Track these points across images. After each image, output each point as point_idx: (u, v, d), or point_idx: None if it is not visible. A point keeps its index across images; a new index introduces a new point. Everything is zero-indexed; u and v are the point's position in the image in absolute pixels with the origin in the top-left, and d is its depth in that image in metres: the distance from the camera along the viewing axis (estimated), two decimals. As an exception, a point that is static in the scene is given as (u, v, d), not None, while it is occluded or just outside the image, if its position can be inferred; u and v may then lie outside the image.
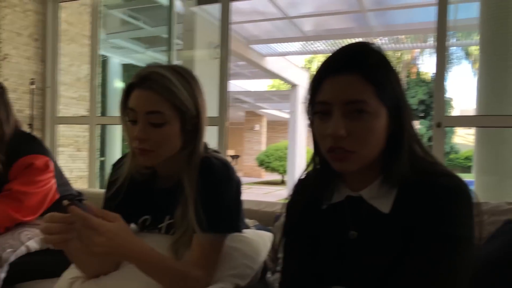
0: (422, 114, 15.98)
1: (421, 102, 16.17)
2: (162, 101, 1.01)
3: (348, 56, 0.79)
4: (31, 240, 1.48)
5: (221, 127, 2.44)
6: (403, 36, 7.67)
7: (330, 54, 0.83)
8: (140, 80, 1.02)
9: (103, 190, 1.90)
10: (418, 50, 15.37)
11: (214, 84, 2.54)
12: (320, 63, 0.84)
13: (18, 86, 2.85)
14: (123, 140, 4.75)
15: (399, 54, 15.82)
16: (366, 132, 0.77)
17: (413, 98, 16.09)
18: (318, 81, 0.80)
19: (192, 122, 1.07)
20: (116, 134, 5.35)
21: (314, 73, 0.83)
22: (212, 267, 1.06)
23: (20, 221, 1.49)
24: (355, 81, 0.77)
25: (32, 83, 2.87)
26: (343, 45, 0.86)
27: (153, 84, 1.01)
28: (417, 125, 14.83)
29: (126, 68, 6.01)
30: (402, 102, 0.80)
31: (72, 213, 0.86)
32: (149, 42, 5.58)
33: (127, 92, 1.05)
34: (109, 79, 5.58)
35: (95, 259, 1.05)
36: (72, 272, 1.11)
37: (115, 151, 5.45)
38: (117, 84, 5.66)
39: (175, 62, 4.23)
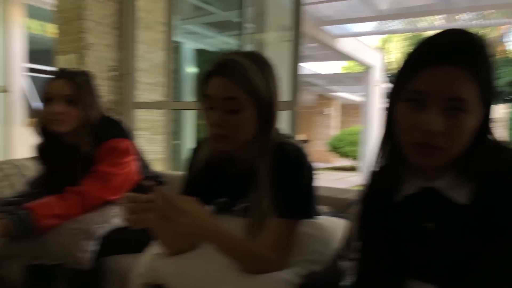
0: (510, 97, 14.74)
1: (510, 83, 14.90)
2: (239, 88, 1.05)
3: (457, 47, 0.73)
4: (116, 217, 1.57)
5: (293, 112, 2.41)
6: (489, 12, 7.07)
7: (430, 39, 0.76)
8: (218, 68, 1.06)
9: (177, 172, 1.99)
10: (506, 26, 14.13)
11: (285, 67, 2.51)
12: (415, 45, 0.78)
13: (99, 73, 3.01)
14: (197, 124, 4.89)
15: (485, 31, 14.66)
16: (460, 130, 0.74)
17: (501, 79, 14.87)
18: (414, 68, 0.75)
19: (266, 108, 1.09)
20: (189, 118, 5.52)
21: (407, 56, 0.78)
22: (286, 251, 1.08)
23: (106, 200, 1.60)
24: (462, 77, 0.71)
25: (111, 70, 3.03)
26: (427, 25, 0.80)
27: (230, 72, 1.04)
28: (506, 108, 13.70)
29: (199, 53, 6.15)
30: (494, 98, 0.77)
31: (156, 194, 0.91)
32: (221, 26, 5.65)
33: (205, 80, 1.08)
34: (182, 64, 5.75)
35: (177, 237, 1.10)
36: (155, 248, 1.18)
37: (188, 135, 5.64)
38: (190, 70, 5.81)
39: (247, 46, 4.24)
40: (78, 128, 1.61)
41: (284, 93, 2.47)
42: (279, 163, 1.09)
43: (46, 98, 1.61)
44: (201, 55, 6.11)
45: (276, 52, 4.29)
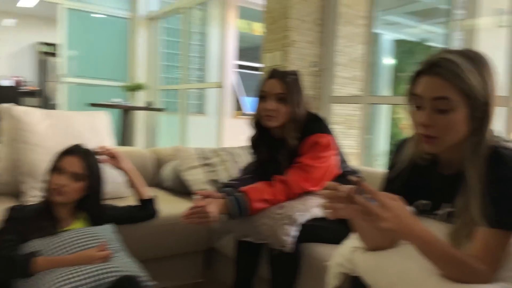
0: None
1: None
2: (450, 87, 0.99)
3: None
4: (315, 207, 1.67)
5: (509, 108, 2.12)
6: None
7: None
8: (428, 67, 1.02)
9: (371, 168, 1.97)
10: None
11: (500, 56, 2.22)
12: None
13: (301, 69, 3.19)
14: (391, 119, 4.73)
15: None
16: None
17: None
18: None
19: (481, 109, 1.00)
20: (383, 112, 5.37)
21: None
22: (495, 264, 0.99)
23: (308, 190, 1.71)
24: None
25: (312, 66, 3.17)
26: None
27: (441, 70, 1.00)
28: None
29: (398, 44, 5.89)
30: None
31: (360, 187, 0.93)
32: (424, 14, 5.29)
33: (413, 78, 1.05)
34: (380, 57, 5.60)
35: (377, 233, 1.11)
36: (353, 241, 1.21)
37: (382, 130, 5.49)
38: (388, 62, 5.62)
39: (454, 33, 3.88)
40: (286, 123, 1.75)
41: (499, 87, 2.18)
42: (492, 169, 1.01)
43: (261, 95, 1.79)
44: (400, 46, 5.85)
45: (490, 40, 3.82)
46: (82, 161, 1.57)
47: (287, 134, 1.75)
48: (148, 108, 5.46)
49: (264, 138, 1.86)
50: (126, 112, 5.06)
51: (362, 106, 3.10)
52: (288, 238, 1.57)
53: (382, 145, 4.54)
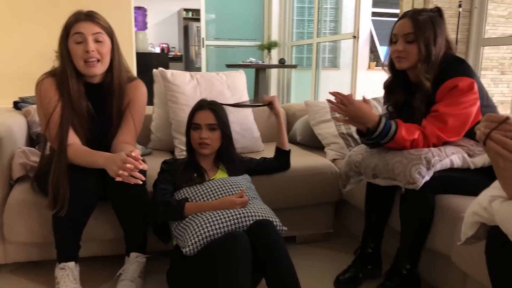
0: None
1: None
2: None
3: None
4: (454, 155, 1.58)
5: None
6: None
7: None
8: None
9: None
10: None
11: None
12: None
13: (445, 10, 2.91)
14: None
15: None
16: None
17: None
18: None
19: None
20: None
21: None
22: None
23: (445, 140, 1.63)
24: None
25: (459, 6, 2.86)
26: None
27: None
28: None
29: None
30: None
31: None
32: None
33: None
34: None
35: None
36: (493, 190, 1.15)
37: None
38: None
39: None
40: (418, 64, 1.66)
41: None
42: None
43: (392, 38, 1.74)
44: None
45: None
46: (212, 112, 1.73)
47: (420, 75, 1.65)
48: (280, 65, 5.58)
49: (400, 82, 1.79)
50: (259, 70, 5.25)
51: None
52: (420, 178, 1.52)
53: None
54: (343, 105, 1.62)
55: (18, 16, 5.87)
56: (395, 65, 1.74)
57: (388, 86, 1.87)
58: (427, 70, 1.64)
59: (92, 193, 1.57)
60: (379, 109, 2.47)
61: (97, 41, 1.60)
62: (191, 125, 1.75)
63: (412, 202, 1.60)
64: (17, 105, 2.37)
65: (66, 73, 1.60)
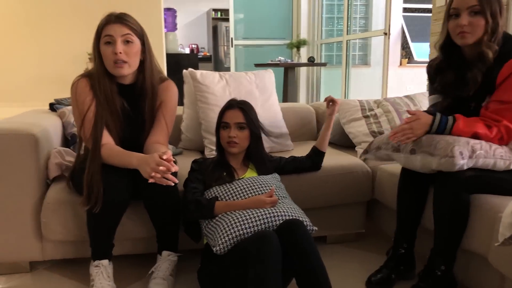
0: None
1: None
2: None
3: None
4: (501, 160, 1.53)
5: None
6: None
7: None
8: None
9: None
10: None
11: None
12: None
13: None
14: None
15: None
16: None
17: None
18: None
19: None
20: None
21: None
22: None
23: None
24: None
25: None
26: None
27: None
28: None
29: None
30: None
31: None
32: None
33: None
34: None
35: None
36: None
37: None
38: None
39: None
40: (484, 37, 1.59)
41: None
42: None
43: (451, 13, 1.65)
44: None
45: None
46: (241, 111, 1.73)
47: (483, 47, 1.58)
48: (309, 63, 5.54)
49: (452, 61, 1.72)
50: (287, 69, 5.23)
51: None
52: (459, 157, 1.46)
53: None
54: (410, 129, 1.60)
55: (53, 21, 6.06)
56: (457, 42, 1.65)
57: (436, 66, 1.80)
58: (492, 46, 1.58)
59: (125, 192, 1.60)
60: (411, 107, 2.42)
61: (126, 42, 1.62)
62: (221, 124, 1.76)
63: (446, 198, 1.55)
64: (52, 107, 2.45)
65: (99, 73, 1.65)
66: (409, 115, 1.66)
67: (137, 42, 1.66)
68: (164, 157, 1.41)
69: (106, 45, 1.62)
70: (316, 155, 1.97)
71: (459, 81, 1.68)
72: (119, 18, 1.63)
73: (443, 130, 1.59)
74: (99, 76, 1.65)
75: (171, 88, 1.80)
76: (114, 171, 1.57)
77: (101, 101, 1.65)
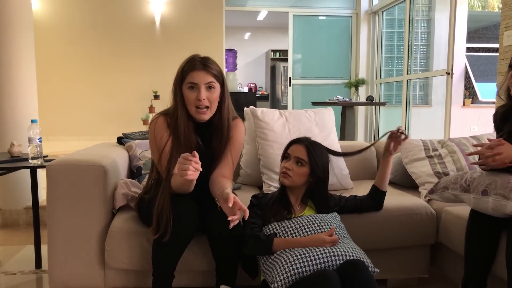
0: None
1: None
2: None
3: None
4: None
5: None
6: None
7: None
8: None
9: None
10: None
11: None
12: None
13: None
14: None
15: None
16: None
17: None
18: None
19: None
20: None
21: None
22: None
23: None
24: None
25: None
26: None
27: None
28: None
29: None
30: None
31: None
32: None
33: None
34: None
35: None
36: None
37: None
38: None
39: None
40: None
41: None
42: None
43: (511, 64, 1.64)
44: None
45: None
46: (306, 148, 1.73)
47: None
48: (368, 102, 5.49)
49: None
50: (345, 108, 5.21)
51: None
52: None
53: None
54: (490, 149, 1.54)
55: (120, 62, 6.49)
56: None
57: (503, 113, 1.75)
58: None
59: (192, 223, 1.63)
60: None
61: (209, 88, 1.69)
62: (284, 155, 1.78)
63: None
64: (120, 140, 2.58)
65: (178, 113, 1.72)
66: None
67: (218, 87, 1.72)
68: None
69: (190, 90, 1.69)
70: (377, 195, 1.91)
71: None
72: (204, 65, 1.69)
73: None
74: (178, 116, 1.71)
75: (240, 126, 1.86)
76: (183, 202, 1.62)
77: (177, 138, 1.72)
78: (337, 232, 1.61)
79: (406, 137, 1.81)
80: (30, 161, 2.27)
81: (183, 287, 1.88)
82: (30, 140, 2.26)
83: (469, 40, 7.03)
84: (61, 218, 1.81)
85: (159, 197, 1.63)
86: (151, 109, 6.40)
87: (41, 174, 2.69)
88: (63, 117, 6.51)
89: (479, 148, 1.59)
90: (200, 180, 1.65)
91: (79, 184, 1.80)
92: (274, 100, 9.73)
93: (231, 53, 7.92)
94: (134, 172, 2.37)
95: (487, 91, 7.42)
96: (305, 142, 1.76)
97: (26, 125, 2.77)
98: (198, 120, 1.73)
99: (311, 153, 1.73)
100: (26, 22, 3.15)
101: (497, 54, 3.35)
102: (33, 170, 2.40)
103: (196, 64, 1.69)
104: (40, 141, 2.29)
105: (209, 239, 1.70)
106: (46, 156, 2.41)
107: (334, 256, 1.47)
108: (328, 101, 5.25)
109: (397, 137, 1.80)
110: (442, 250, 2.11)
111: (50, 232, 1.82)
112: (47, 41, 6.32)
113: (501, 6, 3.13)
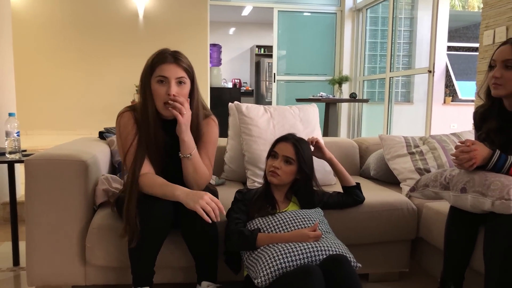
0: None
1: None
2: None
3: None
4: None
5: None
6: None
7: None
8: None
9: None
10: None
11: None
12: None
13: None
14: None
15: None
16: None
17: None
18: None
19: None
20: None
21: None
22: None
23: None
24: None
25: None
26: None
27: None
28: None
29: None
30: None
31: None
32: None
33: None
34: None
35: None
36: None
37: None
38: None
39: None
40: None
41: None
42: None
43: (490, 64, 1.66)
44: None
45: None
46: (293, 147, 1.73)
47: None
48: (351, 99, 5.53)
49: (495, 110, 1.71)
50: (329, 104, 5.23)
51: None
52: None
53: None
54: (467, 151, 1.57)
55: (103, 55, 6.38)
56: (492, 92, 1.66)
57: (482, 113, 1.78)
58: None
59: (162, 220, 1.58)
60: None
61: (179, 83, 1.62)
62: (271, 153, 1.77)
63: (499, 242, 1.46)
64: (102, 135, 2.54)
65: (146, 109, 1.64)
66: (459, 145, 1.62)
67: (188, 83, 1.65)
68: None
69: (159, 83, 1.61)
70: (351, 191, 1.93)
71: (503, 128, 1.65)
72: (174, 58, 1.62)
73: (500, 168, 1.53)
74: (146, 111, 1.64)
75: (212, 125, 1.77)
76: (153, 201, 1.56)
77: (144, 134, 1.64)
78: (320, 228, 1.61)
79: (317, 142, 1.93)
80: (7, 155, 2.22)
81: (165, 283, 1.87)
82: (7, 134, 2.21)
83: (450, 39, 7.13)
84: (40, 214, 1.77)
85: (126, 198, 1.57)
86: (134, 103, 6.32)
87: (19, 169, 2.63)
88: (42, 111, 6.38)
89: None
90: (175, 178, 1.62)
91: (59, 180, 1.76)
92: (258, 96, 9.73)
93: (216, 48, 7.87)
94: (115, 168, 2.34)
95: (467, 89, 7.54)
96: (292, 140, 1.76)
97: (3, 119, 2.71)
98: (166, 116, 1.65)
99: (299, 151, 1.73)
100: (4, 14, 3.07)
101: (477, 53, 3.40)
102: (11, 165, 2.34)
103: (167, 57, 1.61)
104: (18, 135, 2.24)
105: (183, 236, 1.69)
106: (25, 150, 2.36)
107: (317, 251, 1.47)
108: (312, 97, 5.27)
109: (313, 145, 1.93)
110: (422, 245, 2.14)
111: (29, 228, 1.78)
112: (27, 33, 6.19)
113: (481, 6, 3.17)
